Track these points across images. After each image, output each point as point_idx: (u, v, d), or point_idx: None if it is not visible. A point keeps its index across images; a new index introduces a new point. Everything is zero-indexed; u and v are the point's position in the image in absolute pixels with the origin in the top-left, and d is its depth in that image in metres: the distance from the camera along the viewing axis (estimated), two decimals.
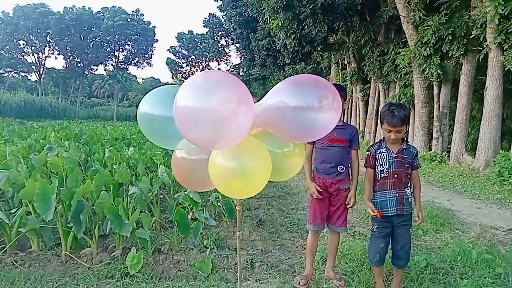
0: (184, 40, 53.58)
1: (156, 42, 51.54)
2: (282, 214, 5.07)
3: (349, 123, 13.55)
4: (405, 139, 2.68)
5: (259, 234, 4.03)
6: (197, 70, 53.10)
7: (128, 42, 49.01)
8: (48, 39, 46.18)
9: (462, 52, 9.30)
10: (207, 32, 47.40)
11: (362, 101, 18.22)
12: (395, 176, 2.56)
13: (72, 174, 4.08)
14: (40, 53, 47.05)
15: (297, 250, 3.69)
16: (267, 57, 26.19)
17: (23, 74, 52.87)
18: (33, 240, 3.48)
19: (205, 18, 43.05)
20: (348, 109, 20.80)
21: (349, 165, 2.92)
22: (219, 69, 44.84)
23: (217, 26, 42.85)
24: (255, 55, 28.34)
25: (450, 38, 9.37)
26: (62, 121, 30.74)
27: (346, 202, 2.88)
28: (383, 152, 2.60)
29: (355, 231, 4.23)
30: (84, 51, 46.94)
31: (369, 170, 2.66)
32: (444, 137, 10.64)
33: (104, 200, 3.39)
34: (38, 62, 47.21)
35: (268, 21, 16.24)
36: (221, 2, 30.42)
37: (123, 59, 50.21)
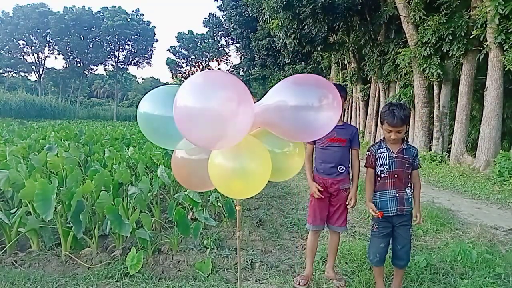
0: (184, 40, 53.58)
1: (156, 42, 51.59)
2: (282, 214, 5.07)
3: (349, 123, 13.50)
4: (405, 139, 2.68)
5: (259, 234, 4.03)
6: (197, 70, 53.10)
7: (128, 42, 49.00)
8: (48, 39, 46.18)
9: (462, 52, 9.30)
10: (207, 32, 47.40)
11: (362, 101, 18.23)
12: (396, 176, 2.55)
13: (72, 174, 4.07)
14: (40, 53, 47.09)
15: (297, 250, 3.69)
16: (267, 57, 26.19)
17: (23, 74, 52.91)
18: (33, 240, 3.48)
19: (205, 18, 43.07)
20: (348, 109, 20.80)
21: (349, 165, 2.92)
22: (219, 69, 44.86)
23: (217, 26, 42.84)
24: (255, 55, 28.34)
25: (450, 38, 9.37)
26: (61, 121, 30.75)
27: (347, 203, 2.87)
28: (383, 152, 2.60)
29: (355, 231, 4.23)
30: (84, 51, 46.94)
31: (370, 170, 2.65)
32: (445, 137, 10.64)
33: (104, 200, 3.39)
34: (38, 62, 47.22)
35: (268, 21, 16.24)
36: (221, 2, 30.42)
37: (123, 59, 50.22)
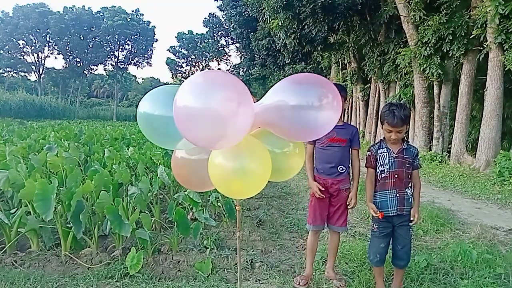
0: (184, 40, 53.59)
1: (156, 42, 51.62)
2: (282, 214, 5.07)
3: (349, 123, 13.52)
4: (406, 139, 2.67)
5: (259, 234, 4.03)
6: (197, 70, 53.11)
7: (128, 42, 49.02)
8: (48, 39, 46.19)
9: (463, 52, 9.30)
10: (207, 32, 47.40)
11: (362, 101, 18.23)
12: (396, 176, 2.55)
13: (71, 174, 4.07)
14: (40, 53, 47.09)
15: (297, 250, 3.68)
16: (267, 57, 26.17)
17: (22, 74, 52.90)
18: (33, 240, 3.48)
19: (205, 18, 43.08)
20: (348, 109, 20.80)
21: (350, 165, 2.91)
22: (219, 69, 44.88)
23: (217, 26, 42.84)
24: (255, 55, 28.31)
25: (451, 38, 9.37)
26: (61, 121, 30.75)
27: (347, 203, 2.87)
28: (383, 152, 2.60)
29: (355, 231, 4.22)
30: (84, 51, 46.93)
31: (370, 170, 2.65)
32: (445, 137, 10.64)
33: (104, 200, 3.39)
34: (37, 62, 47.23)
35: (268, 21, 16.23)
36: (221, 2, 30.40)
37: (123, 59, 50.23)
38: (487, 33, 8.18)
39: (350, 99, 20.14)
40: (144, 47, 50.17)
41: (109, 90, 69.52)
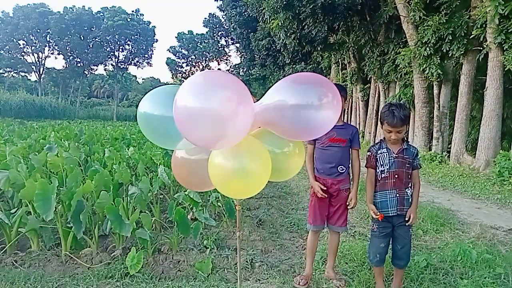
0: (184, 40, 53.57)
1: (156, 42, 51.54)
2: (282, 214, 5.07)
3: (349, 123, 13.53)
4: (406, 139, 2.67)
5: (259, 234, 4.03)
6: (197, 70, 53.09)
7: (128, 42, 48.97)
8: (48, 39, 46.16)
9: (462, 52, 9.30)
10: (207, 32, 47.36)
11: (362, 101, 18.23)
12: (396, 176, 2.55)
13: (72, 174, 4.07)
14: (40, 53, 47.07)
15: (297, 250, 3.69)
16: (267, 57, 26.18)
17: (23, 74, 52.92)
18: (33, 240, 3.48)
19: (205, 18, 43.04)
20: (348, 109, 20.81)
21: (350, 165, 2.92)
22: (219, 69, 44.85)
23: (217, 26, 42.82)
24: (255, 55, 28.32)
25: (450, 38, 9.37)
26: (62, 121, 30.73)
27: (347, 203, 2.87)
28: (383, 152, 2.60)
29: (355, 231, 4.23)
30: (84, 51, 46.92)
31: (371, 170, 2.65)
32: (444, 137, 10.64)
33: (104, 200, 3.39)
34: (38, 62, 47.21)
35: (268, 21, 16.23)
36: (221, 2, 30.40)
37: (123, 59, 50.18)
38: (487, 33, 8.18)
39: (350, 99, 20.14)
40: (144, 47, 50.15)
41: (110, 90, 69.53)
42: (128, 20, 47.64)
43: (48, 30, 45.00)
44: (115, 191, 4.20)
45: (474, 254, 3.24)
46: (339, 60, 21.40)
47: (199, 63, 54.48)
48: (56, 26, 43.76)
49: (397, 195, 2.56)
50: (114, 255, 3.31)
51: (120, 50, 49.50)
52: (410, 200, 2.59)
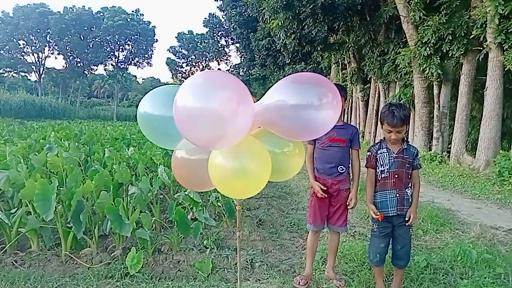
0: (184, 40, 53.57)
1: (156, 42, 51.54)
2: (282, 214, 5.07)
3: (349, 123, 13.53)
4: (406, 139, 2.67)
5: (259, 234, 4.03)
6: (197, 70, 53.09)
7: (128, 42, 48.97)
8: (48, 39, 46.16)
9: (462, 52, 9.30)
10: (207, 32, 47.37)
11: (362, 101, 18.23)
12: (396, 176, 2.55)
13: (72, 174, 4.07)
14: (40, 53, 47.07)
15: (297, 250, 3.69)
16: (267, 57, 26.18)
17: (23, 74, 52.91)
18: (33, 240, 3.48)
19: (205, 18, 43.04)
20: (348, 109, 20.81)
21: (349, 165, 2.92)
22: (219, 69, 44.85)
23: (217, 26, 42.82)
24: (255, 55, 28.33)
25: (450, 38, 9.37)
26: (62, 121, 30.73)
27: (347, 203, 2.87)
28: (383, 152, 2.60)
29: (355, 231, 4.23)
30: (84, 51, 46.92)
31: (371, 170, 2.65)
32: (444, 137, 10.64)
33: (104, 200, 3.39)
34: (38, 62, 47.22)
35: (268, 21, 16.24)
36: (221, 2, 30.40)
37: (123, 59, 50.19)
38: (487, 33, 8.18)
39: (350, 99, 20.14)
40: (144, 47, 50.15)
41: (110, 90, 69.53)
42: (128, 20, 47.64)
43: (48, 30, 45.00)
44: (115, 191, 4.20)
45: (474, 254, 3.24)
46: (339, 60, 21.40)
47: (199, 63, 54.48)
48: (56, 26, 43.76)
49: (397, 195, 2.56)
50: (114, 255, 3.31)
51: (120, 50, 49.51)
52: (410, 200, 2.59)
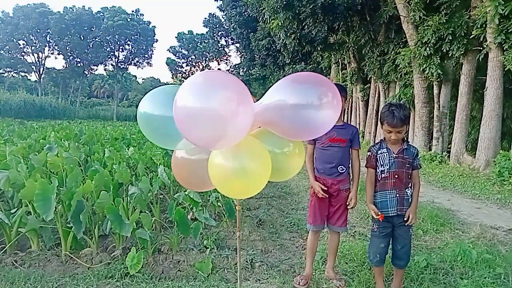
0: (184, 40, 53.57)
1: (156, 42, 51.55)
2: (282, 214, 5.07)
3: (349, 123, 13.53)
4: (406, 139, 2.67)
5: (259, 234, 4.03)
6: (197, 70, 53.09)
7: (128, 42, 48.97)
8: (48, 39, 46.16)
9: (462, 52, 9.30)
10: (207, 32, 47.37)
11: (362, 101, 18.23)
12: (396, 176, 2.55)
13: (72, 174, 4.07)
14: (40, 53, 47.08)
15: (297, 250, 3.69)
16: (267, 57, 26.18)
17: (23, 74, 52.91)
18: (33, 240, 3.48)
19: (205, 18, 43.04)
20: (348, 109, 20.81)
21: (349, 165, 2.92)
22: (219, 69, 44.85)
23: (217, 26, 42.82)
24: (255, 55, 28.32)
25: (450, 38, 9.37)
26: (62, 121, 30.73)
27: (347, 203, 2.87)
28: (384, 152, 2.60)
29: (355, 231, 4.23)
30: (84, 51, 46.92)
31: (371, 170, 2.65)
32: (444, 137, 10.64)
33: (104, 200, 3.39)
34: (38, 62, 47.22)
35: (268, 21, 16.24)
36: (221, 2, 30.40)
37: (123, 59, 50.19)
38: (487, 33, 8.18)
39: (350, 99, 20.14)
40: (144, 47, 50.15)
41: (110, 90, 69.53)
42: (128, 20, 47.64)
43: (48, 30, 45.00)
44: (115, 191, 4.20)
45: (474, 254, 3.24)
46: (339, 60, 21.40)
47: (199, 63, 54.48)
48: (56, 26, 43.76)
49: (397, 195, 2.56)
50: (114, 255, 3.31)
51: (120, 50, 49.51)
52: (410, 200, 2.59)
